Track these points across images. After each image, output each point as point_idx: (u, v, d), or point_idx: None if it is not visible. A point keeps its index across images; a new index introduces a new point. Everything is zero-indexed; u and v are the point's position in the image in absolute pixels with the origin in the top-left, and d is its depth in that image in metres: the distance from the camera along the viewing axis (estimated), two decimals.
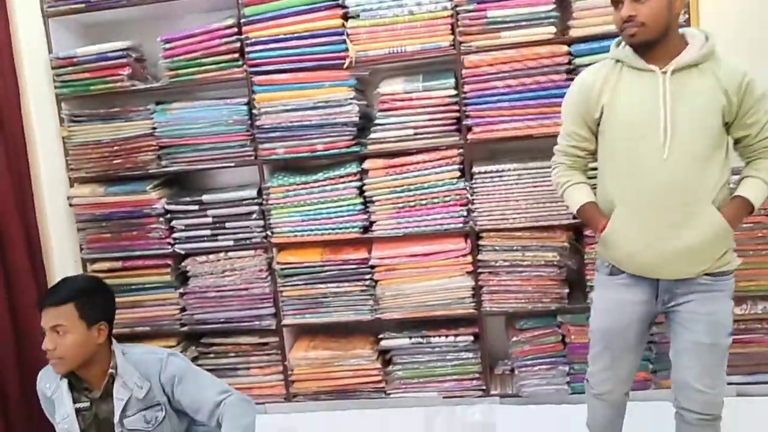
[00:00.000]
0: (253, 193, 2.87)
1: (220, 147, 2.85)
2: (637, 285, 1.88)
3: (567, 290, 2.75)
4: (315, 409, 2.92)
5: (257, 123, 2.79)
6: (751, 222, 2.50)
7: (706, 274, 1.82)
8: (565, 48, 2.58)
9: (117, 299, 2.94)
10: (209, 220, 2.89)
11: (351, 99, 2.71)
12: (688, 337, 1.84)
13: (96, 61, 2.83)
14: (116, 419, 1.88)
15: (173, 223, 2.92)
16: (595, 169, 2.02)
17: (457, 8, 2.62)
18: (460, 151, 2.71)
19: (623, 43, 1.87)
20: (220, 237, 2.90)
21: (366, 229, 2.84)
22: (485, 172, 2.70)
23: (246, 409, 1.88)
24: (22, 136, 2.67)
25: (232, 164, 2.86)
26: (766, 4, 2.70)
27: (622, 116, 1.82)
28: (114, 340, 1.94)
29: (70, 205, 2.93)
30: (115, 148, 2.89)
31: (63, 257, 2.85)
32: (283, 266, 2.87)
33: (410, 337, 2.87)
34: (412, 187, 2.75)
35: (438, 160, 2.72)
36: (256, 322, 2.94)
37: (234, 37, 2.76)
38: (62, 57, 2.85)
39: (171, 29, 2.84)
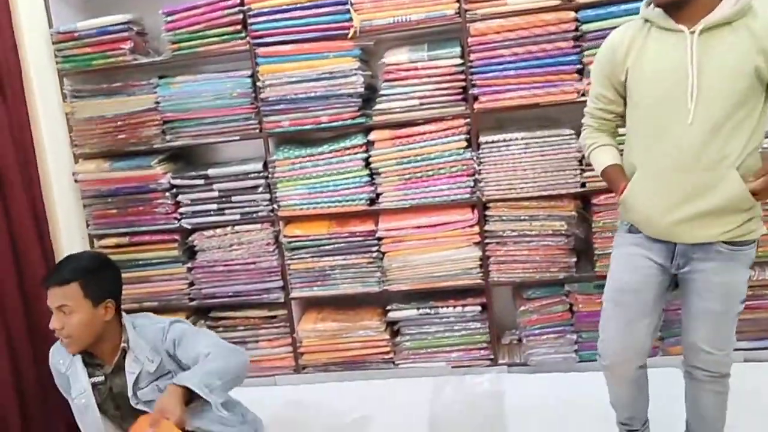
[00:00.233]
0: (259, 166, 2.86)
1: (225, 120, 2.83)
2: (654, 245, 1.85)
3: (575, 259, 2.75)
4: (324, 380, 2.95)
5: (261, 96, 2.77)
6: None
7: (726, 243, 1.76)
8: (572, 14, 2.54)
9: (125, 275, 2.97)
10: (215, 194, 2.88)
11: (356, 70, 2.69)
12: (701, 304, 1.83)
13: (97, 35, 2.80)
14: (130, 392, 1.90)
15: (179, 197, 2.91)
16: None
17: None
18: (467, 120, 2.69)
19: (653, 4, 1.79)
20: (226, 211, 2.90)
21: (372, 201, 2.83)
22: (492, 142, 2.68)
23: (224, 355, 1.84)
24: (25, 112, 2.65)
25: (237, 138, 2.85)
26: None
27: (646, 79, 1.77)
28: (124, 314, 1.95)
29: (76, 181, 2.92)
30: (119, 123, 2.88)
31: (70, 233, 2.85)
32: (290, 239, 2.88)
33: (418, 308, 2.88)
34: (418, 158, 2.74)
35: (444, 130, 2.71)
36: (265, 296, 2.95)
37: (236, 9, 2.72)
38: (63, 31, 2.82)
39: (172, 2, 2.79)
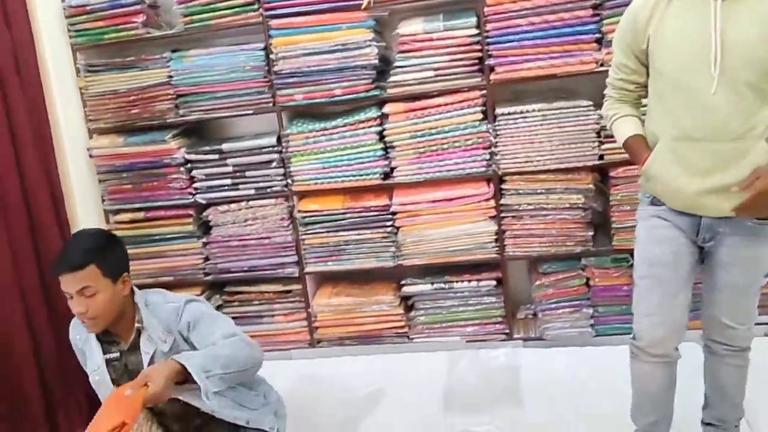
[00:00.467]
0: (273, 140, 2.84)
1: (238, 94, 2.81)
2: (678, 218, 1.80)
3: (592, 233, 2.72)
4: (339, 354, 2.96)
5: (275, 69, 2.74)
6: None
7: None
8: None
9: (140, 250, 3.03)
10: (229, 169, 2.88)
11: (369, 41, 2.65)
12: (724, 277, 1.79)
13: (109, 8, 2.78)
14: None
15: (194, 172, 2.91)
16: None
17: None
18: (483, 92, 2.65)
19: None
20: (240, 186, 2.89)
21: (387, 175, 2.81)
22: (509, 114, 2.64)
23: (234, 344, 1.80)
24: (39, 87, 2.65)
25: (251, 112, 2.83)
26: None
27: (668, 46, 1.71)
28: (136, 290, 1.93)
29: (90, 156, 2.93)
30: (132, 97, 2.87)
31: (86, 209, 2.86)
32: (305, 214, 2.87)
33: (432, 283, 2.87)
34: (433, 131, 2.71)
35: (460, 102, 2.67)
36: (279, 270, 2.95)
37: None
38: (75, 5, 2.80)
39: None
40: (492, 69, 2.63)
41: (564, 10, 2.52)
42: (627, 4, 1.84)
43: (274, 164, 2.85)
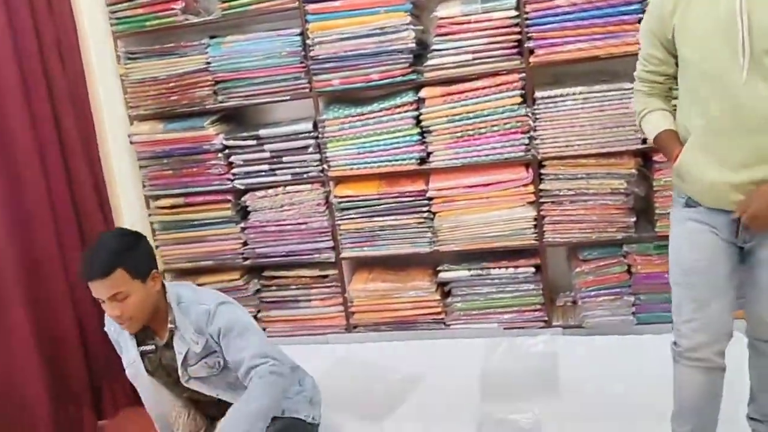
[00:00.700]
0: (309, 126, 2.84)
1: (275, 80, 2.82)
2: (716, 218, 1.72)
3: (634, 219, 2.65)
4: (375, 340, 2.96)
5: (311, 54, 2.74)
6: None
7: None
8: None
9: (180, 235, 3.07)
10: (267, 154, 2.89)
11: (407, 25, 2.62)
12: (766, 276, 1.71)
13: None
14: (180, 370, 1.91)
15: (232, 158, 2.93)
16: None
17: None
18: (522, 75, 2.60)
19: None
20: (278, 171, 2.91)
21: (423, 160, 2.79)
22: (548, 97, 2.58)
23: (267, 388, 1.84)
24: (82, 75, 2.70)
25: (288, 97, 2.83)
26: None
27: (694, 36, 1.65)
28: (166, 284, 1.92)
29: (131, 142, 2.98)
30: (171, 84, 2.90)
31: (127, 195, 2.92)
32: (341, 200, 2.87)
33: (469, 269, 2.85)
34: (470, 115, 2.67)
35: (498, 85, 2.62)
36: (316, 255, 2.97)
37: None
38: None
39: None
40: (531, 51, 2.57)
41: None
42: None
43: (310, 149, 2.85)
